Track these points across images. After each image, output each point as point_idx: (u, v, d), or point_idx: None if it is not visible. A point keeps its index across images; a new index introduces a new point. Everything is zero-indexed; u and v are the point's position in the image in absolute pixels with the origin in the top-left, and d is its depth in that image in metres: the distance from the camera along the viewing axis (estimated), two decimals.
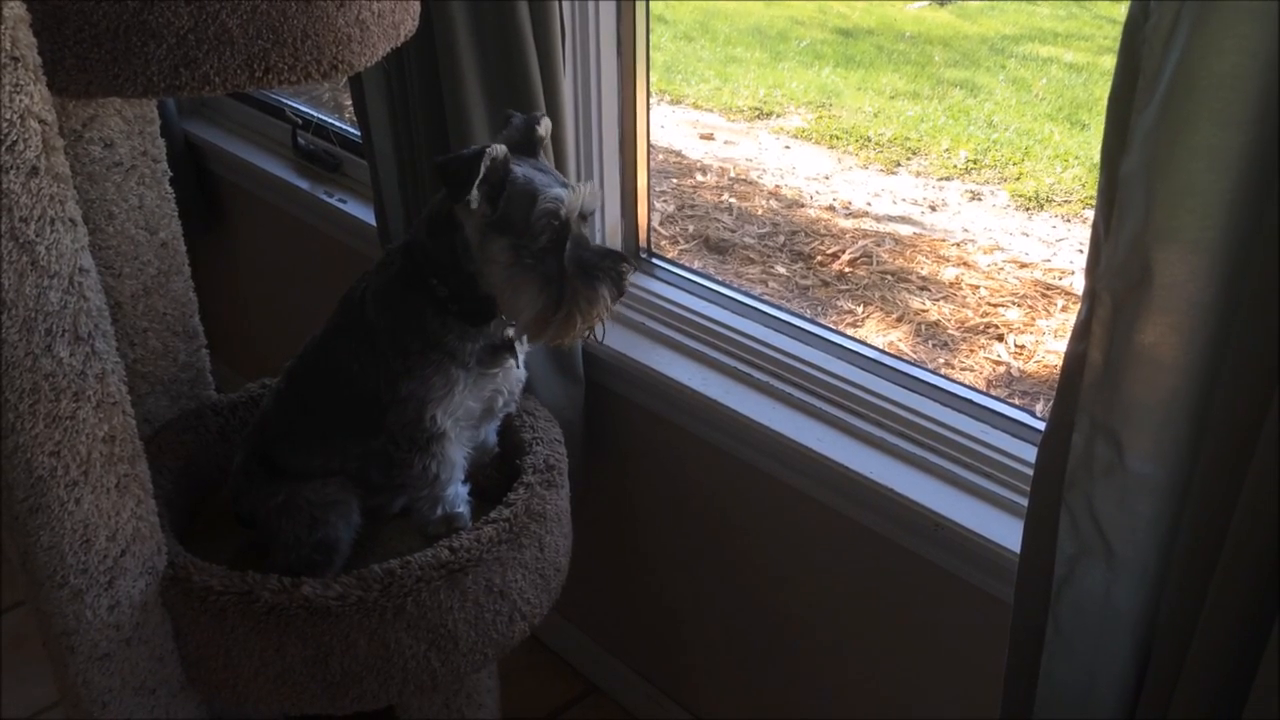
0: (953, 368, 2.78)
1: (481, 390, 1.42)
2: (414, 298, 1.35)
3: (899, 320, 2.99)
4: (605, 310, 1.30)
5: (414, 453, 1.38)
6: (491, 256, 1.29)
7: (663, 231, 3.44)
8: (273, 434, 1.49)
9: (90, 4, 1.05)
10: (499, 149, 1.25)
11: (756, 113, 4.39)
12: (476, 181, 1.22)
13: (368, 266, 1.45)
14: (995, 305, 3.03)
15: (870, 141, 4.06)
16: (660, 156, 3.99)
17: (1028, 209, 3.54)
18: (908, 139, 4.04)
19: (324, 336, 1.46)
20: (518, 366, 1.46)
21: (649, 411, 1.78)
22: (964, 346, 2.88)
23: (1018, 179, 3.70)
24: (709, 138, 4.19)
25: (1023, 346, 2.85)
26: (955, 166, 3.81)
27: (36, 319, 1.11)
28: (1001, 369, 2.78)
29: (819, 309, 3.05)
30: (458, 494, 1.44)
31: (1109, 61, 4.46)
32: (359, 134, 1.93)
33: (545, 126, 1.35)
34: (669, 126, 4.29)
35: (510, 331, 1.39)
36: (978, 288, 3.12)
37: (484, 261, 1.29)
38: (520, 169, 1.27)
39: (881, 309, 3.04)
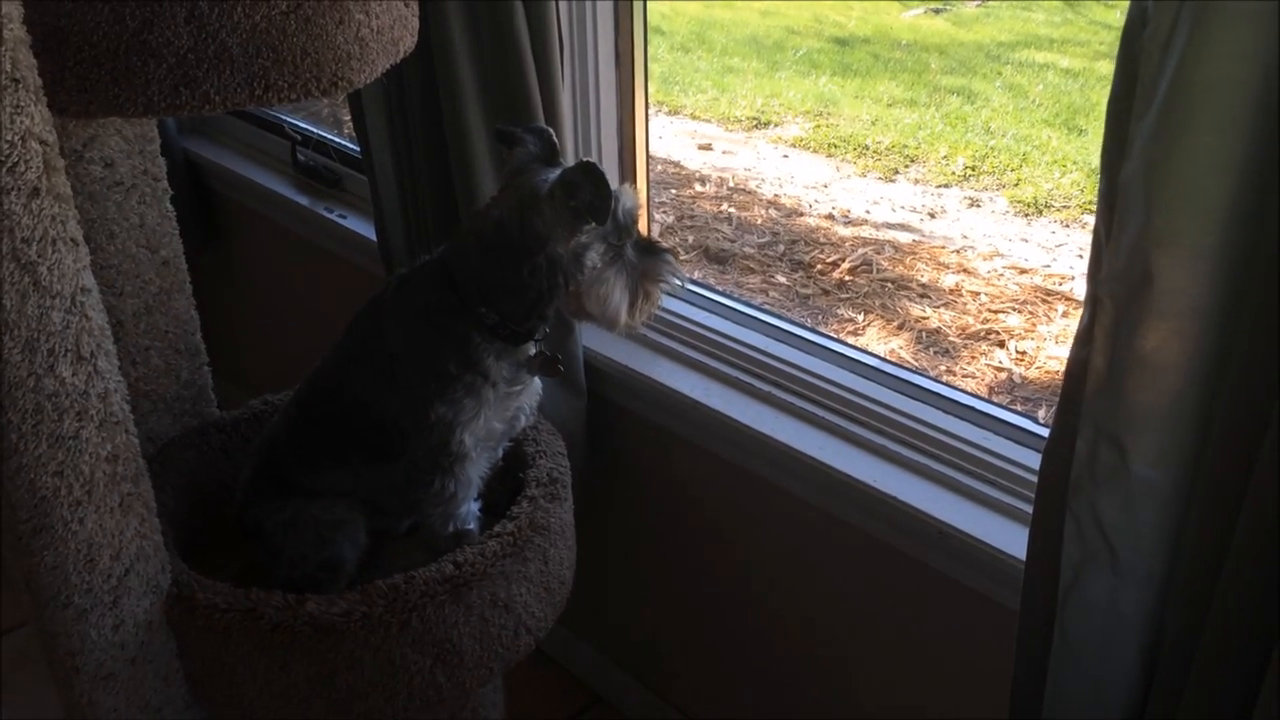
0: (954, 374, 2.78)
1: (505, 410, 1.42)
2: (457, 326, 1.35)
3: (900, 328, 2.99)
4: (676, 276, 1.41)
5: (434, 473, 1.38)
6: (590, 262, 1.34)
7: (662, 243, 3.44)
8: (283, 451, 1.49)
9: (90, 25, 1.05)
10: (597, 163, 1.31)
11: (754, 122, 4.40)
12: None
13: (369, 281, 1.45)
14: (996, 311, 3.03)
15: (868, 149, 4.06)
16: (659, 167, 3.99)
17: (1027, 215, 3.54)
18: (905, 146, 4.05)
19: (337, 362, 1.45)
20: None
21: (651, 423, 1.78)
22: (965, 353, 2.88)
23: (1016, 185, 3.70)
24: (707, 148, 4.20)
25: (1024, 352, 2.85)
26: (953, 173, 3.82)
27: (39, 339, 1.11)
28: (1003, 375, 2.78)
29: (820, 318, 3.05)
30: (469, 511, 1.45)
31: (1105, 67, 4.48)
32: (358, 149, 1.93)
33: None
34: (667, 137, 4.30)
35: (535, 349, 1.40)
36: (978, 294, 3.12)
37: (579, 269, 1.34)
38: None
39: (882, 317, 3.04)
